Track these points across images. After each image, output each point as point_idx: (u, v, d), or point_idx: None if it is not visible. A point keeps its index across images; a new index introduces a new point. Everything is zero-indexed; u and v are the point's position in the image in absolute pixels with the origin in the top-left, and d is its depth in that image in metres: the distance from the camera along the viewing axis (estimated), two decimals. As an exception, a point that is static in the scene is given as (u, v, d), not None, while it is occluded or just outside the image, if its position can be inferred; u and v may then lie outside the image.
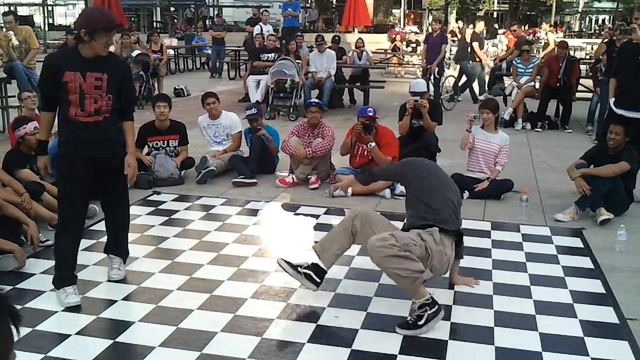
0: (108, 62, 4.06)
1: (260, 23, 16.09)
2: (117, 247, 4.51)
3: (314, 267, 4.13)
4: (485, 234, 5.44)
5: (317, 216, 5.89)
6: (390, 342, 3.57)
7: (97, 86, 3.97)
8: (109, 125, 4.09)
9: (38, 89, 9.12)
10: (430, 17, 31.66)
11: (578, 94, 11.22)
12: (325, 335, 3.65)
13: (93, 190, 4.26)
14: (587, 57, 20.01)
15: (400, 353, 3.45)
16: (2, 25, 10.06)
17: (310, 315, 3.90)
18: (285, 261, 4.17)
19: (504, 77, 12.82)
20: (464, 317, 3.90)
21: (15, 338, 1.25)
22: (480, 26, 14.38)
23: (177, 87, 14.25)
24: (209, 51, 19.28)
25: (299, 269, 4.11)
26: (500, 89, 12.32)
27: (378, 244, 3.65)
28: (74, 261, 4.17)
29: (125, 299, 4.11)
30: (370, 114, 6.58)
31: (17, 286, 4.25)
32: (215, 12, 31.33)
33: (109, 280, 4.37)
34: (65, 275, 4.11)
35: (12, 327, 1.24)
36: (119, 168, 4.21)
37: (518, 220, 5.80)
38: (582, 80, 11.92)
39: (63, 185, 4.17)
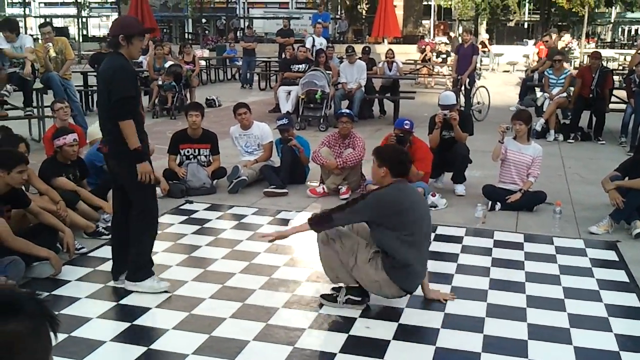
0: None
1: (314, 35, 15.92)
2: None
3: (349, 289, 4.14)
4: (518, 246, 5.39)
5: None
6: (422, 353, 3.56)
7: None
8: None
9: (74, 99, 9.33)
10: (460, 28, 31.53)
11: (611, 105, 11.07)
12: (357, 346, 3.65)
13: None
14: (620, 67, 19.74)
15: (432, 365, 3.44)
16: (39, 36, 10.21)
17: (342, 325, 3.90)
18: (324, 297, 4.22)
19: (536, 88, 12.71)
20: (497, 329, 3.87)
21: (53, 343, 1.27)
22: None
23: (208, 97, 14.38)
24: (240, 62, 19.44)
25: (338, 299, 4.14)
26: (532, 99, 12.22)
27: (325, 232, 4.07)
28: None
29: (159, 306, 4.16)
30: (407, 127, 6.52)
31: (53, 293, 4.33)
32: (246, 24, 31.57)
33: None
34: (152, 266, 4.45)
35: (51, 332, 1.26)
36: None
37: (551, 233, 5.74)
38: (615, 91, 11.77)
39: (150, 189, 4.41)
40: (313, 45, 14.70)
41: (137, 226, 4.33)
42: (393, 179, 4.04)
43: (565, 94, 10.92)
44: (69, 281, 4.54)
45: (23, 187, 5.01)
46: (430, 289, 4.29)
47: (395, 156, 4.15)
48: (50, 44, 9.34)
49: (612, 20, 48.82)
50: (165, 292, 4.33)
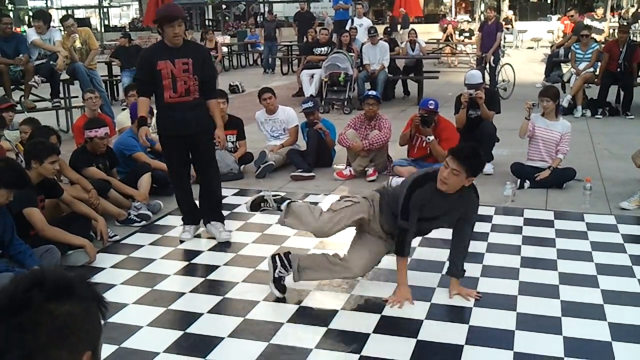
0: (190, 48, 4.93)
1: (355, 17, 15.64)
2: (212, 212, 5.21)
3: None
4: (548, 223, 5.36)
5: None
6: (456, 333, 3.57)
7: (185, 70, 4.77)
8: (198, 104, 4.90)
9: (100, 89, 9.44)
10: (483, 5, 31.12)
11: (639, 79, 10.89)
12: (390, 326, 3.67)
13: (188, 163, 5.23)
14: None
15: (466, 343, 3.45)
16: (61, 29, 10.30)
17: (374, 306, 3.92)
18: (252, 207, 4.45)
19: (562, 64, 12.55)
20: (530, 307, 3.86)
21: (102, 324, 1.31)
22: None
23: (232, 83, 14.43)
24: (262, 47, 19.46)
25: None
26: (558, 75, 12.06)
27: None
28: (191, 208, 5.28)
29: (193, 291, 4.21)
30: (431, 107, 6.47)
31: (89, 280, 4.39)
32: (267, 9, 31.48)
33: (175, 273, 4.49)
34: (186, 217, 5.27)
35: (100, 314, 1.30)
36: (208, 142, 5.07)
37: (582, 209, 5.70)
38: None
39: (167, 163, 5.26)
40: (351, 27, 13.95)
41: (217, 182, 5.20)
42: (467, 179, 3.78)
43: (592, 69, 10.76)
44: (104, 268, 4.62)
45: (55, 177, 5.09)
46: (457, 286, 4.08)
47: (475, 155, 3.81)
48: (76, 35, 9.43)
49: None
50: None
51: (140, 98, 5.02)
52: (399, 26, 19.30)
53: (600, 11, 19.86)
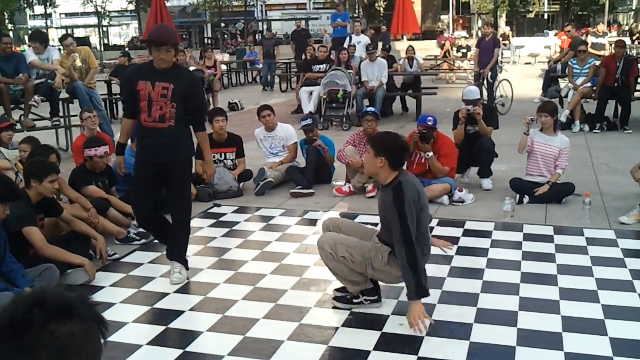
0: (175, 73, 4.52)
1: (353, 34, 15.71)
2: (173, 253, 4.77)
3: (363, 291, 4.12)
4: (548, 238, 5.36)
5: (375, 224, 5.88)
6: (457, 349, 3.56)
7: (163, 95, 4.43)
8: (173, 132, 4.50)
9: (100, 108, 9.46)
10: (480, 22, 31.32)
11: (637, 94, 10.93)
12: (391, 343, 3.66)
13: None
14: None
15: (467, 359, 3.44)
16: (61, 48, 10.35)
17: (374, 322, 3.92)
18: (337, 299, 4.20)
19: (559, 79, 12.60)
20: (531, 322, 3.85)
21: (103, 346, 1.30)
22: None
23: (231, 101, 14.47)
24: (261, 65, 19.54)
25: (354, 301, 4.12)
26: (555, 90, 12.11)
27: (327, 249, 3.97)
28: (156, 230, 4.97)
29: (192, 309, 4.20)
30: (430, 124, 6.47)
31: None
32: (265, 26, 31.67)
33: (175, 292, 4.48)
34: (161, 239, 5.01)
35: (100, 335, 1.30)
36: (181, 175, 4.65)
37: (581, 224, 5.70)
38: (640, 80, 11.61)
39: (135, 181, 4.88)
40: (350, 45, 13.98)
41: (184, 217, 4.78)
42: (393, 171, 3.81)
43: (589, 84, 10.81)
44: (103, 287, 4.61)
45: (55, 196, 5.09)
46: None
47: (395, 144, 3.86)
48: (76, 55, 9.47)
49: (634, 8, 48.10)
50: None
51: (124, 120, 4.77)
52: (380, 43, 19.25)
53: (601, 27, 20.02)
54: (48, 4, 39.51)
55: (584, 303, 4.11)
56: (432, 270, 4.64)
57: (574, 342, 3.59)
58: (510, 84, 12.86)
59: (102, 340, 1.29)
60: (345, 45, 14.02)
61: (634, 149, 8.23)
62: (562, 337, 3.65)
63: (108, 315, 4.12)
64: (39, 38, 9.44)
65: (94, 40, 42.05)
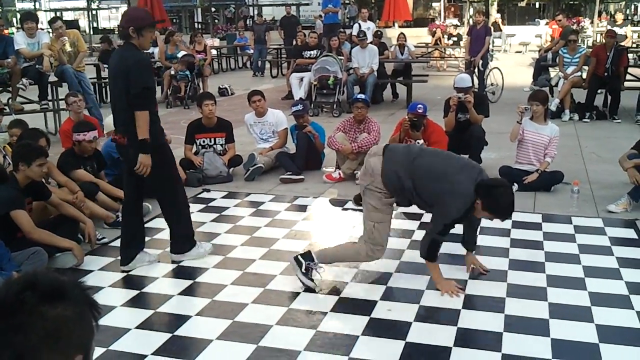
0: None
1: (360, 21, 15.55)
2: (182, 250, 4.78)
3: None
4: (536, 226, 5.39)
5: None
6: (444, 334, 3.58)
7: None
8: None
9: (89, 92, 9.39)
10: (471, 10, 31.23)
11: (626, 83, 10.97)
12: (379, 328, 3.68)
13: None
14: (634, 45, 19.52)
15: (454, 345, 3.46)
16: (50, 31, 10.25)
17: (363, 308, 3.93)
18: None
19: (550, 68, 12.62)
20: (518, 309, 3.88)
21: (95, 329, 1.30)
22: None
23: (221, 86, 14.40)
24: (251, 50, 19.44)
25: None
26: (546, 79, 12.13)
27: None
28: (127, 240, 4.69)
29: (182, 293, 4.20)
30: (420, 111, 6.47)
31: (77, 282, 4.37)
32: (256, 12, 31.49)
33: (163, 276, 4.50)
34: (193, 235, 4.87)
35: (92, 318, 1.30)
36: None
37: (569, 212, 5.73)
38: (630, 69, 11.65)
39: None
40: (360, 31, 13.33)
41: (171, 210, 4.72)
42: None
43: (579, 73, 10.83)
44: (92, 271, 4.60)
45: (43, 180, 5.06)
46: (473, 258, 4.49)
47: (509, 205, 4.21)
48: (66, 38, 9.40)
49: (625, -3, 48.13)
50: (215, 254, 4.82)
51: (146, 113, 4.37)
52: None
53: (619, 16, 20.11)
54: (37, -15, 39.08)
55: (571, 290, 4.14)
56: (418, 257, 4.65)
57: (561, 329, 3.62)
58: (501, 73, 12.87)
59: (94, 324, 1.29)
60: (355, 33, 13.79)
61: (622, 138, 8.27)
62: (548, 324, 3.68)
63: (96, 299, 4.09)
64: (32, 17, 9.38)
65: (83, 23, 41.60)
